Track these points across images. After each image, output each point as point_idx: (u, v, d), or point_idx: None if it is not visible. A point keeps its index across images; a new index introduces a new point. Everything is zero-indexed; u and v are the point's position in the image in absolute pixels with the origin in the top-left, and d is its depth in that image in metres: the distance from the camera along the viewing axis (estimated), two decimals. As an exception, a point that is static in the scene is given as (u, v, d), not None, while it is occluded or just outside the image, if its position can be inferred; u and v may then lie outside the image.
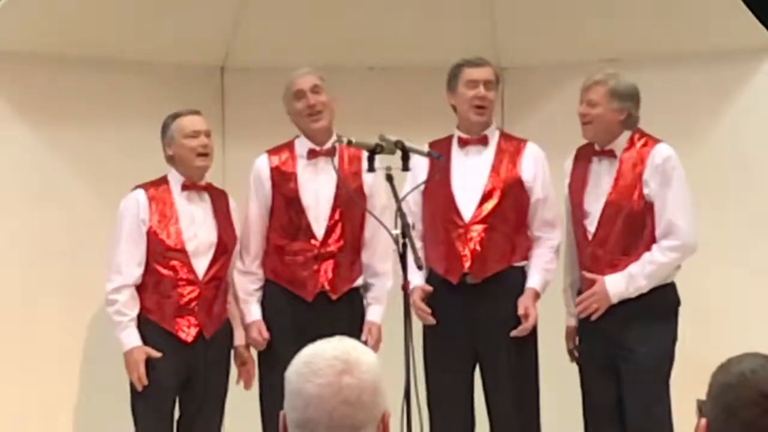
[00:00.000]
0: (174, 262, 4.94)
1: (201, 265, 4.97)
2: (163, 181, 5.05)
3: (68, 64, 5.47)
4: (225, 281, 5.07)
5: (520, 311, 4.93)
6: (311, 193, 5.07)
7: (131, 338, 4.89)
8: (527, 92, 6.01)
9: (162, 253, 4.94)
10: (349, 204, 5.03)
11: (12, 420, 5.21)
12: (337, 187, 5.03)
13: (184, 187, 5.02)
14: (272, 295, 5.12)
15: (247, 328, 5.09)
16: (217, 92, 6.01)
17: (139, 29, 5.54)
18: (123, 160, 5.54)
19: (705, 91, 5.62)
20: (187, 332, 4.93)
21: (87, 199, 5.53)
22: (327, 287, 5.05)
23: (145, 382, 4.86)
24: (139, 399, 4.93)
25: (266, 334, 5.04)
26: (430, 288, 5.02)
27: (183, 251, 4.95)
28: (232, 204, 5.15)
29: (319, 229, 5.06)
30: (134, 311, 4.91)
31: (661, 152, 4.83)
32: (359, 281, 5.17)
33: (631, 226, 4.82)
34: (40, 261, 5.38)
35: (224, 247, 5.03)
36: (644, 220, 4.82)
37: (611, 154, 4.89)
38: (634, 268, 4.78)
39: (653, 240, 4.81)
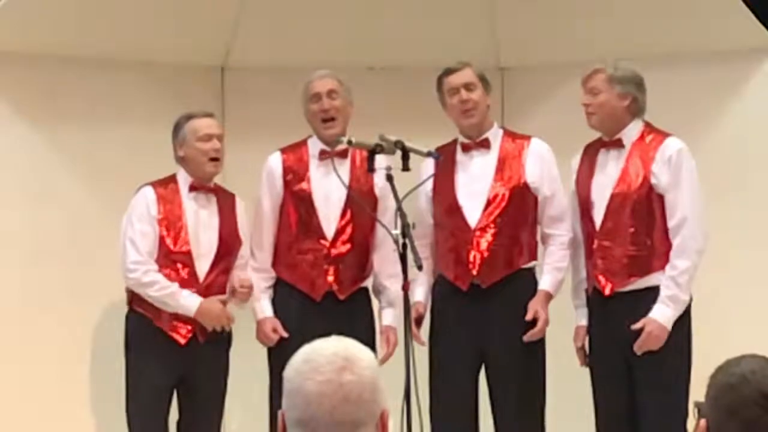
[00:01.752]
0: (177, 264, 4.94)
1: (202, 267, 4.97)
2: (172, 180, 5.04)
3: (68, 64, 5.47)
4: (225, 286, 5.05)
5: (530, 315, 4.89)
6: (322, 193, 5.06)
7: (190, 299, 4.87)
8: (527, 92, 6.01)
9: (165, 253, 4.93)
10: (360, 205, 5.04)
11: (12, 420, 5.21)
12: (349, 187, 5.04)
13: (192, 188, 5.01)
14: (281, 294, 5.11)
15: (259, 323, 5.07)
16: (217, 92, 6.01)
17: (139, 29, 5.54)
18: (123, 160, 5.53)
19: (705, 91, 5.62)
20: (181, 334, 4.92)
21: (87, 199, 5.53)
22: (335, 287, 5.04)
23: (225, 323, 4.88)
24: (131, 399, 4.93)
25: (284, 333, 4.99)
26: (422, 312, 5.01)
27: (187, 253, 4.95)
28: (240, 206, 5.13)
29: (329, 229, 5.06)
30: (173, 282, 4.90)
31: (671, 145, 4.83)
32: (368, 282, 5.17)
33: (639, 216, 4.80)
34: (40, 261, 5.38)
35: (226, 251, 5.02)
36: (652, 210, 4.80)
37: (619, 144, 4.88)
38: (668, 290, 4.74)
39: (662, 231, 4.80)
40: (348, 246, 5.06)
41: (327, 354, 2.16)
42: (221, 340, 5.03)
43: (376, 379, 2.17)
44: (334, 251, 5.05)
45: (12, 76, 5.36)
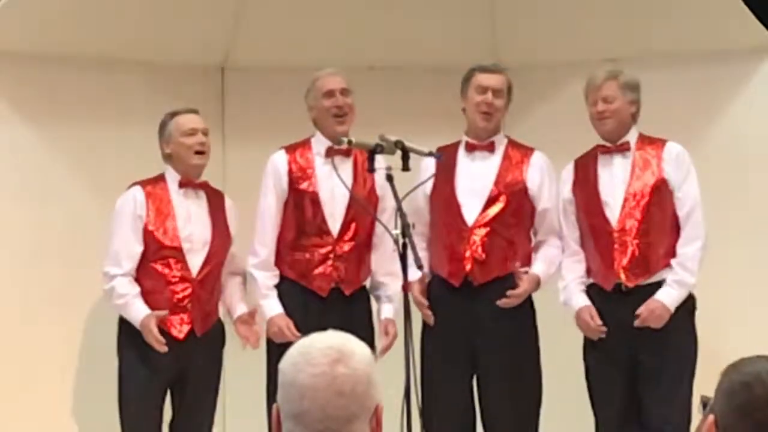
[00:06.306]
0: (169, 260, 4.95)
1: (195, 262, 4.99)
2: (161, 179, 5.07)
3: (68, 64, 5.47)
4: (219, 281, 5.07)
5: (513, 290, 4.92)
6: (327, 190, 5.08)
7: (139, 311, 4.87)
8: (527, 92, 5.98)
9: (157, 250, 4.95)
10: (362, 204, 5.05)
11: (11, 420, 5.21)
12: (351, 189, 5.04)
13: (181, 185, 5.04)
14: (286, 291, 5.11)
15: (270, 321, 5.06)
16: (217, 92, 6.01)
17: (139, 29, 5.55)
18: (123, 160, 5.53)
19: (705, 91, 5.63)
20: (179, 329, 4.93)
21: (86, 199, 5.53)
22: (341, 283, 5.06)
23: (163, 342, 4.81)
24: (126, 392, 4.94)
25: (296, 332, 4.95)
26: (425, 279, 5.00)
27: (178, 249, 4.96)
28: (228, 203, 5.16)
29: (334, 225, 5.08)
30: (135, 289, 4.92)
31: (675, 147, 4.95)
32: (367, 281, 5.18)
33: (654, 211, 4.87)
34: (40, 261, 5.38)
35: (218, 246, 5.04)
36: (666, 206, 4.89)
37: (624, 147, 4.93)
38: (675, 275, 4.82)
39: (675, 227, 4.88)
40: (353, 243, 5.09)
41: (322, 347, 2.16)
42: (217, 337, 5.06)
43: (371, 373, 2.17)
44: (339, 248, 5.07)
45: (12, 76, 5.37)
